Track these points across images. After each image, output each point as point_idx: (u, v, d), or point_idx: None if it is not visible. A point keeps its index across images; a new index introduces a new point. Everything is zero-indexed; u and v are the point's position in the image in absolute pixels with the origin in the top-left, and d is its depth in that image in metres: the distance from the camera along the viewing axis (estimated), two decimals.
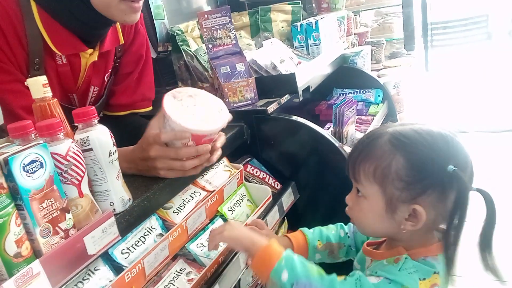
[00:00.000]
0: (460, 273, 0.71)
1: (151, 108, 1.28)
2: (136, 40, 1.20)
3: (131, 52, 1.20)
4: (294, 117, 1.28)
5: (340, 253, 0.97)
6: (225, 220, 1.09)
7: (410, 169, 0.71)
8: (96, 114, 0.73)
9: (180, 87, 1.55)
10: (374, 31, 2.80)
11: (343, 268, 0.95)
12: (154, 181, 0.89)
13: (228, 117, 0.89)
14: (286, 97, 1.33)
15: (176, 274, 0.91)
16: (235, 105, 1.29)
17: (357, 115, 1.62)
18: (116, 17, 0.95)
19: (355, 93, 1.89)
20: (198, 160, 0.87)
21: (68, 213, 0.65)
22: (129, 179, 0.83)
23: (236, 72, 1.31)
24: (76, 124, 0.73)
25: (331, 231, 0.98)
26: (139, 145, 0.89)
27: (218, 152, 0.90)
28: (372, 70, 2.11)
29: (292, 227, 1.27)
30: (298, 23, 1.74)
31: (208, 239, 0.89)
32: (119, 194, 0.76)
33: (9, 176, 0.58)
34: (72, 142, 0.67)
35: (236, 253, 0.98)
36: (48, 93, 0.72)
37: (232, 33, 1.35)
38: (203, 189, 1.07)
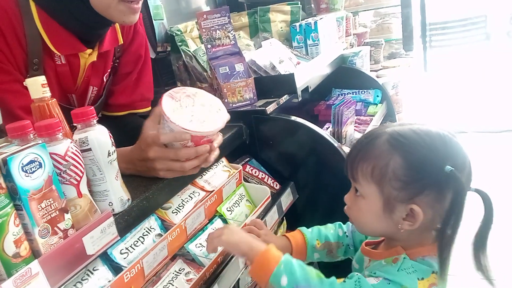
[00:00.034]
0: (457, 272, 0.71)
1: (150, 108, 1.28)
2: (135, 40, 1.20)
3: (130, 52, 1.20)
4: (293, 117, 1.28)
5: (338, 252, 0.97)
6: (224, 220, 1.10)
7: (408, 169, 0.71)
8: (95, 114, 0.73)
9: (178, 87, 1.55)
10: (373, 31, 2.81)
11: (341, 267, 0.96)
12: (153, 181, 0.89)
13: (227, 117, 0.89)
14: (285, 98, 1.34)
15: (175, 274, 0.91)
16: (234, 105, 1.30)
17: (356, 116, 1.62)
18: (115, 18, 0.95)
19: (354, 93, 1.90)
20: (197, 161, 0.88)
21: (67, 213, 0.65)
22: (128, 179, 0.83)
23: (235, 73, 1.31)
24: (75, 124, 0.73)
25: (330, 230, 0.99)
26: (137, 146, 0.89)
27: (216, 152, 0.90)
28: (371, 71, 2.11)
29: (291, 227, 1.27)
30: (297, 24, 1.74)
31: (206, 240, 0.89)
32: (118, 194, 0.76)
33: (8, 176, 0.58)
34: (71, 142, 0.67)
35: None
36: (47, 93, 0.72)
37: (231, 34, 1.35)
38: (202, 189, 1.07)
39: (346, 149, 1.28)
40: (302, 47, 1.73)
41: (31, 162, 0.60)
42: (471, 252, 0.73)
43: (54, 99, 0.73)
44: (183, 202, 1.00)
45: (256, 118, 1.27)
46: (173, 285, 0.89)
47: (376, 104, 1.85)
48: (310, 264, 1.30)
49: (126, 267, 0.79)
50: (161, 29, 1.63)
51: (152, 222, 0.92)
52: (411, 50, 2.53)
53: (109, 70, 1.17)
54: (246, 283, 1.07)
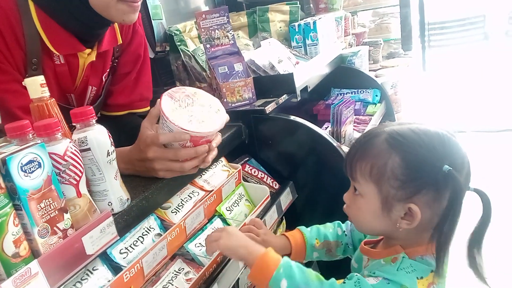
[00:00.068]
0: (457, 272, 0.71)
1: (149, 108, 1.28)
2: (134, 40, 1.20)
3: (129, 52, 1.20)
4: (292, 117, 1.28)
5: (337, 251, 0.98)
6: (223, 220, 1.10)
7: (406, 168, 0.71)
8: (94, 114, 0.73)
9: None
10: (371, 31, 2.81)
11: (341, 267, 0.96)
12: (152, 181, 0.89)
13: (226, 118, 0.89)
14: (284, 97, 1.34)
15: (175, 274, 0.91)
16: (233, 105, 1.30)
17: (355, 115, 1.62)
18: (115, 17, 0.95)
19: (353, 93, 1.90)
20: (197, 161, 0.88)
21: (66, 213, 0.65)
22: (127, 179, 0.83)
23: (234, 72, 1.31)
24: (74, 124, 0.73)
25: (329, 229, 0.99)
26: (136, 146, 0.89)
27: (214, 152, 0.91)
28: (369, 70, 2.11)
29: (290, 227, 1.27)
30: (296, 23, 1.75)
31: (205, 242, 0.89)
32: (117, 194, 0.76)
33: (7, 176, 0.58)
34: (70, 142, 0.67)
35: None
36: (46, 93, 0.71)
37: (230, 33, 1.35)
38: (201, 189, 1.07)
39: (345, 149, 1.29)
40: (301, 47, 1.73)
41: (30, 162, 0.60)
42: (466, 248, 0.73)
43: (53, 99, 0.73)
44: (183, 202, 1.00)
45: (255, 117, 1.27)
46: (172, 285, 0.89)
47: (375, 104, 1.85)
48: (309, 263, 1.31)
49: (125, 266, 0.79)
50: (160, 29, 1.63)
51: (151, 221, 0.92)
52: (409, 49, 2.53)
53: (108, 70, 1.17)
54: (246, 283, 1.07)
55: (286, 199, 1.27)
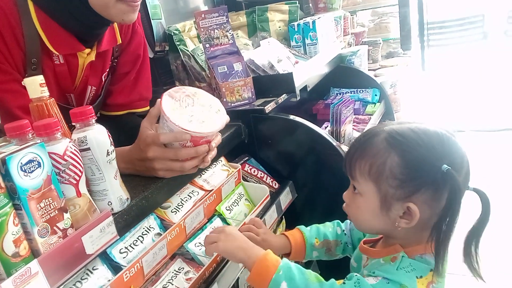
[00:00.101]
0: (457, 272, 0.71)
1: (148, 108, 1.28)
2: (133, 40, 1.20)
3: (128, 52, 1.20)
4: (292, 117, 1.28)
5: (337, 250, 0.98)
6: (223, 219, 1.10)
7: (405, 168, 0.71)
8: (93, 114, 0.73)
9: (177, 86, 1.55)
10: (370, 31, 2.81)
11: (341, 267, 0.96)
12: (152, 180, 0.89)
13: (227, 119, 0.89)
14: (283, 97, 1.34)
15: (175, 273, 0.91)
16: (232, 104, 1.30)
17: (354, 115, 1.62)
18: (114, 17, 0.95)
19: (352, 92, 1.90)
20: (196, 161, 0.88)
21: (66, 212, 0.65)
22: (126, 179, 0.83)
23: (233, 72, 1.31)
24: (73, 124, 0.73)
25: (328, 228, 0.99)
26: (136, 145, 0.89)
27: (214, 152, 0.91)
28: (369, 70, 2.11)
29: (290, 226, 1.27)
30: (295, 23, 1.75)
31: (205, 242, 0.89)
32: (117, 194, 0.76)
33: (7, 176, 0.58)
34: (69, 142, 0.67)
35: None
36: (45, 92, 0.71)
37: (230, 33, 1.35)
38: (201, 188, 1.07)
39: (344, 148, 1.29)
40: (300, 47, 1.74)
41: (30, 161, 0.60)
42: (463, 244, 0.73)
43: (53, 98, 0.73)
44: (182, 201, 1.00)
45: (255, 117, 1.27)
46: (172, 284, 0.89)
47: (374, 103, 1.85)
48: (309, 263, 1.31)
49: (125, 266, 0.80)
50: (159, 28, 1.63)
51: (151, 221, 0.92)
52: (409, 49, 2.53)
53: (107, 70, 1.17)
54: (246, 282, 1.08)
55: (285, 198, 1.27)
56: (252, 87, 1.31)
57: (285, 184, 1.30)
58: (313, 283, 0.73)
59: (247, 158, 1.31)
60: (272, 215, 1.18)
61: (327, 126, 1.56)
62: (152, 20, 1.59)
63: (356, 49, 1.99)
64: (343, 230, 0.99)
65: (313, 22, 1.68)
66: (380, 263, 0.78)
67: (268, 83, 1.37)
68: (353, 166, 0.77)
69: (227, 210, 1.11)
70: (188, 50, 1.63)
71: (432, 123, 0.76)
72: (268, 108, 1.26)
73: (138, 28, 1.21)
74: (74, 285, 0.73)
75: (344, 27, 2.23)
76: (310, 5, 2.49)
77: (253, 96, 1.32)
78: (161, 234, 0.90)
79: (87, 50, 1.04)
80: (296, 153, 1.31)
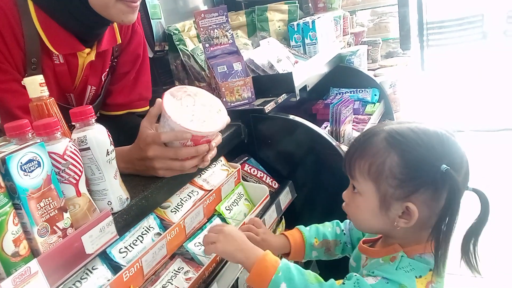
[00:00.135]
0: (457, 271, 0.72)
1: (148, 107, 1.28)
2: (133, 40, 1.20)
3: (128, 51, 1.20)
4: (291, 116, 1.28)
5: (336, 250, 0.98)
6: (222, 219, 1.10)
7: (404, 167, 0.71)
8: (93, 113, 0.73)
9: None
10: (370, 30, 2.81)
11: (340, 267, 0.96)
12: (152, 180, 0.89)
13: (227, 119, 0.89)
14: (283, 97, 1.34)
15: (174, 273, 0.92)
16: (232, 104, 1.30)
17: (353, 114, 1.62)
18: (114, 17, 0.95)
19: (352, 92, 1.90)
20: (196, 160, 0.88)
21: (66, 212, 0.65)
22: (126, 178, 0.83)
23: (233, 72, 1.31)
24: (73, 124, 0.73)
25: (327, 228, 0.99)
26: (136, 145, 0.89)
27: (213, 152, 0.91)
28: (368, 70, 2.11)
29: (290, 226, 1.27)
30: (295, 23, 1.75)
31: (203, 242, 0.88)
32: (116, 193, 0.76)
33: (7, 175, 0.58)
34: (69, 141, 0.67)
35: None
36: (45, 92, 0.71)
37: (229, 33, 1.35)
38: (201, 188, 1.07)
39: (344, 148, 1.29)
40: (300, 46, 1.74)
41: (30, 161, 0.60)
42: (461, 242, 0.73)
43: (52, 98, 0.73)
44: (182, 201, 1.00)
45: (255, 117, 1.27)
46: (172, 284, 0.89)
47: (374, 103, 1.86)
48: (308, 263, 1.31)
49: (125, 266, 0.80)
50: (158, 28, 1.63)
51: (151, 221, 0.92)
52: (408, 49, 2.53)
53: (107, 70, 1.17)
54: (245, 282, 1.08)
55: (285, 198, 1.27)
56: (251, 87, 1.31)
57: (285, 184, 1.31)
58: (312, 284, 0.73)
59: (246, 158, 1.31)
60: (272, 215, 1.18)
61: (327, 126, 1.56)
62: (151, 20, 1.59)
63: (355, 49, 1.99)
64: (342, 230, 0.99)
65: (313, 22, 1.68)
66: (379, 263, 0.78)
67: (268, 83, 1.37)
68: (353, 166, 0.77)
69: (227, 210, 1.11)
70: (187, 50, 1.63)
71: (431, 123, 0.76)
72: (268, 108, 1.26)
73: (137, 28, 1.21)
74: (74, 284, 0.73)
75: (343, 27, 2.23)
76: (310, 5, 2.49)
77: (253, 96, 1.32)
78: (160, 234, 0.90)
79: (87, 50, 1.04)
80: (296, 153, 1.31)
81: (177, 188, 0.99)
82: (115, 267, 0.81)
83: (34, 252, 0.61)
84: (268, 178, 1.30)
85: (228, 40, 1.35)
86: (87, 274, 0.76)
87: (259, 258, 0.76)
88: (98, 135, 0.72)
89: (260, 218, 1.11)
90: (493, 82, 4.06)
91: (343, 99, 1.50)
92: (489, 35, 5.22)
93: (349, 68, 1.93)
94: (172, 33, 1.63)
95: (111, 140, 0.75)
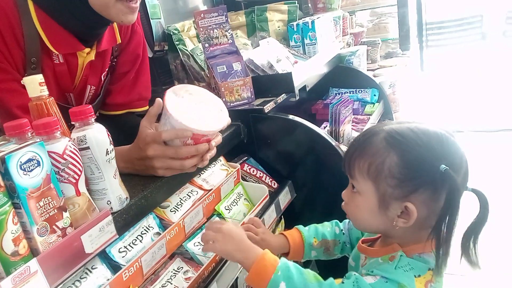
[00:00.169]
0: (457, 271, 0.72)
1: (147, 107, 1.28)
2: (133, 40, 1.20)
3: (128, 51, 1.20)
4: (291, 116, 1.28)
5: (335, 250, 0.98)
6: (222, 219, 1.10)
7: (403, 167, 0.72)
8: (93, 113, 0.73)
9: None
10: (369, 31, 2.81)
11: (339, 267, 0.96)
12: (151, 180, 0.89)
13: (228, 120, 0.89)
14: (282, 97, 1.34)
15: (174, 273, 0.92)
16: (231, 104, 1.30)
17: (353, 115, 1.63)
18: (114, 17, 0.95)
19: (351, 92, 1.90)
20: (196, 159, 0.88)
21: (65, 211, 0.65)
22: (126, 178, 0.83)
23: (232, 72, 1.31)
24: (73, 123, 0.73)
25: (327, 228, 0.99)
26: (135, 144, 0.89)
27: (213, 151, 0.91)
28: (367, 70, 2.12)
29: (289, 226, 1.27)
30: (294, 23, 1.75)
31: (202, 240, 0.88)
32: (116, 193, 0.76)
33: (6, 175, 0.58)
34: (69, 141, 0.67)
35: None
36: (45, 91, 0.71)
37: (229, 33, 1.35)
38: (200, 188, 1.07)
39: (343, 148, 1.29)
40: (300, 46, 1.74)
41: (30, 160, 0.60)
42: (461, 240, 0.73)
43: (52, 97, 0.73)
44: (181, 201, 1.00)
45: (254, 117, 1.27)
46: (171, 284, 0.89)
47: (373, 103, 1.86)
48: (308, 262, 1.31)
49: (124, 265, 0.80)
50: (158, 28, 1.63)
51: (150, 220, 0.92)
52: (407, 49, 2.53)
53: (106, 69, 1.17)
54: (244, 282, 1.08)
55: (284, 198, 1.27)
56: (251, 87, 1.31)
57: (284, 184, 1.31)
58: (311, 283, 0.73)
59: (246, 157, 1.31)
60: (271, 214, 1.18)
61: (326, 126, 1.56)
62: (151, 20, 1.59)
63: (355, 49, 1.99)
64: (342, 230, 0.99)
65: (312, 22, 1.68)
66: (379, 262, 0.78)
67: (267, 83, 1.37)
68: (352, 165, 0.77)
69: (226, 209, 1.11)
70: (187, 50, 1.63)
71: (431, 123, 0.76)
72: (267, 108, 1.26)
73: (137, 28, 1.21)
74: (73, 284, 0.73)
75: (343, 27, 2.24)
76: (309, 5, 2.49)
77: (252, 96, 1.32)
78: (160, 234, 0.90)
79: (87, 50, 1.04)
80: (295, 153, 1.31)
81: (176, 187, 0.99)
82: (114, 267, 0.81)
83: (33, 252, 0.61)
84: (268, 178, 1.30)
85: (228, 40, 1.35)
86: (86, 273, 0.76)
87: (258, 258, 0.76)
88: (97, 135, 0.72)
89: (260, 218, 1.11)
90: (492, 82, 4.07)
91: (342, 99, 1.50)
92: (488, 35, 5.23)
93: (348, 68, 1.93)
94: (171, 33, 1.63)
95: (111, 139, 0.75)
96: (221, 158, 1.19)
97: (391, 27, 2.76)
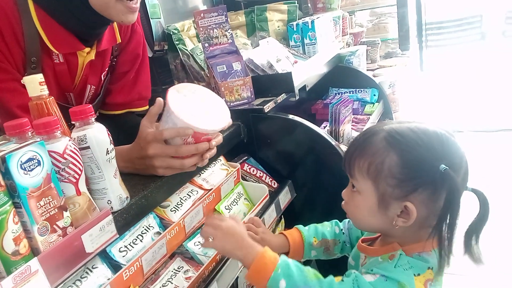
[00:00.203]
0: (457, 271, 0.72)
1: (147, 107, 1.28)
2: (132, 39, 1.20)
3: (127, 51, 1.20)
4: (291, 116, 1.29)
5: (335, 249, 0.98)
6: None
7: (403, 167, 0.72)
8: (93, 112, 0.73)
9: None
10: (369, 31, 2.81)
11: (339, 266, 0.96)
12: (152, 179, 0.89)
13: (229, 121, 0.89)
14: (282, 96, 1.34)
15: (174, 272, 0.92)
16: (231, 104, 1.30)
17: (353, 114, 1.63)
18: (114, 17, 0.95)
19: (351, 92, 1.90)
20: (196, 159, 0.88)
21: (66, 211, 0.65)
22: (126, 177, 0.83)
23: (232, 71, 1.32)
24: (73, 123, 0.73)
25: (326, 228, 0.99)
26: (135, 144, 0.89)
27: (213, 151, 0.91)
28: (367, 70, 2.12)
29: (289, 226, 1.27)
30: (294, 23, 1.75)
31: (201, 235, 0.87)
32: (116, 192, 0.76)
33: (7, 174, 0.58)
34: (69, 140, 0.67)
35: None
36: (45, 91, 0.71)
37: (229, 32, 1.35)
38: (200, 187, 1.07)
39: (343, 148, 1.29)
40: (299, 46, 1.74)
41: (30, 159, 0.60)
42: (463, 239, 0.73)
43: (52, 97, 0.73)
44: (182, 201, 1.00)
45: (254, 117, 1.27)
46: (172, 283, 0.89)
47: (373, 103, 1.86)
48: (308, 261, 1.31)
49: (125, 265, 0.80)
50: (158, 27, 1.63)
51: (150, 220, 0.92)
52: (407, 49, 2.54)
53: (106, 69, 1.17)
54: (245, 281, 1.08)
55: (284, 198, 1.27)
56: (251, 86, 1.31)
57: (284, 184, 1.31)
58: (311, 281, 0.73)
59: (246, 157, 1.31)
60: (271, 214, 1.18)
61: (326, 125, 1.56)
62: (151, 19, 1.59)
63: (354, 49, 2.00)
64: (341, 229, 0.99)
65: (312, 22, 1.68)
66: (378, 261, 0.78)
67: (267, 83, 1.37)
68: (352, 164, 0.77)
69: (226, 209, 1.11)
70: (187, 50, 1.63)
71: (431, 123, 0.77)
72: (267, 107, 1.26)
73: (137, 27, 1.21)
74: (74, 283, 0.73)
75: (342, 27, 2.24)
76: (309, 5, 2.49)
77: (252, 96, 1.32)
78: (160, 233, 0.90)
79: (87, 49, 1.04)
80: (295, 152, 1.31)
81: (176, 187, 0.99)
82: (115, 266, 0.81)
83: (34, 251, 0.61)
84: (268, 177, 1.30)
85: (228, 39, 1.35)
86: (87, 273, 0.76)
87: (258, 255, 0.76)
88: (98, 134, 0.72)
89: (260, 217, 1.11)
90: (491, 82, 4.07)
91: (342, 99, 1.51)
92: (487, 35, 5.23)
93: (348, 68, 1.93)
94: (171, 33, 1.63)
95: (111, 139, 0.75)
96: (221, 157, 1.19)
97: (390, 27, 2.77)
